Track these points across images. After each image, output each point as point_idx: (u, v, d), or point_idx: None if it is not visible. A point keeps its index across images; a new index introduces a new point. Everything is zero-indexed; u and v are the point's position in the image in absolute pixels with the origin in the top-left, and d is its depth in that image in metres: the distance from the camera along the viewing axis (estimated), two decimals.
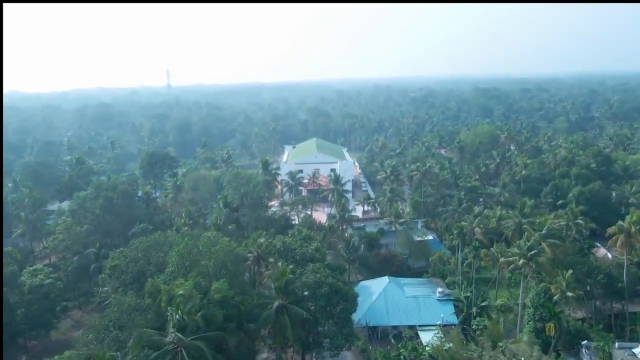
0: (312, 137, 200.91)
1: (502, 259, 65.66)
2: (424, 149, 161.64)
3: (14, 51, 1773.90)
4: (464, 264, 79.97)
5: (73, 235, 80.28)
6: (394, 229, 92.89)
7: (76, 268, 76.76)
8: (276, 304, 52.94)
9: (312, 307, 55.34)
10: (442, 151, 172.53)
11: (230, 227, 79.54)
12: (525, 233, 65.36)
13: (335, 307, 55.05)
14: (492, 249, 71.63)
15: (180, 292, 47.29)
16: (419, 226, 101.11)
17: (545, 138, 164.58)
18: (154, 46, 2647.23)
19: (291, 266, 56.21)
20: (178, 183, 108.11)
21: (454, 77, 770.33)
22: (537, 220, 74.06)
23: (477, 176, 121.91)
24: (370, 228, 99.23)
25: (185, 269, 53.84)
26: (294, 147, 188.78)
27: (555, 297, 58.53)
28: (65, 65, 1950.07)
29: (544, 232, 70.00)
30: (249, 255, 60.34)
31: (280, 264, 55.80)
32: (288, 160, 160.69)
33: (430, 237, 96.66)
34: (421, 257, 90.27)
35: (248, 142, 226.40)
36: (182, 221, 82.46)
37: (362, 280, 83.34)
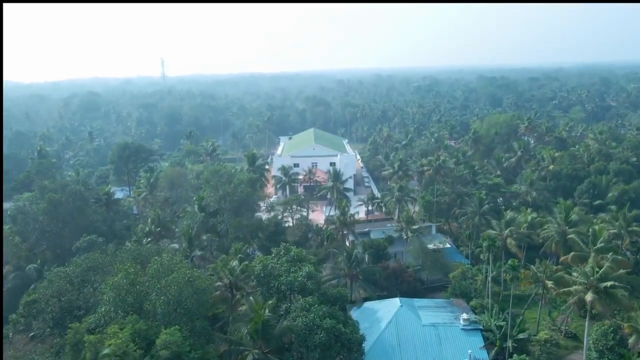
0: (310, 128, 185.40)
1: (549, 284, 50.52)
2: (432, 140, 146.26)
3: (10, 41, 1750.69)
4: (491, 277, 64.93)
5: (12, 247, 65.01)
6: (405, 236, 77.75)
7: (12, 288, 61.62)
8: (250, 356, 38.06)
9: (303, 355, 40.54)
10: (452, 143, 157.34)
11: (205, 236, 64.45)
12: (594, 256, 50.06)
13: (334, 358, 40.12)
14: (533, 267, 56.46)
15: (107, 351, 32.35)
16: (433, 231, 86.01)
17: (567, 128, 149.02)
18: (152, 36, 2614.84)
19: (271, 301, 41.19)
20: (152, 180, 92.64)
21: (454, 67, 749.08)
22: (589, 230, 58.90)
23: (498, 172, 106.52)
24: (376, 234, 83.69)
25: (126, 308, 38.76)
26: (290, 138, 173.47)
27: (630, 340, 43.35)
28: (62, 56, 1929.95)
29: (599, 245, 55.01)
30: (218, 284, 44.96)
31: (252, 298, 40.60)
32: (283, 152, 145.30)
33: (448, 246, 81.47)
34: (437, 270, 75.33)
35: (241, 133, 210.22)
36: (147, 229, 67.21)
37: (366, 299, 68.41)
